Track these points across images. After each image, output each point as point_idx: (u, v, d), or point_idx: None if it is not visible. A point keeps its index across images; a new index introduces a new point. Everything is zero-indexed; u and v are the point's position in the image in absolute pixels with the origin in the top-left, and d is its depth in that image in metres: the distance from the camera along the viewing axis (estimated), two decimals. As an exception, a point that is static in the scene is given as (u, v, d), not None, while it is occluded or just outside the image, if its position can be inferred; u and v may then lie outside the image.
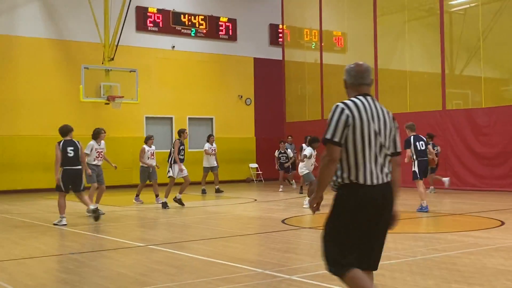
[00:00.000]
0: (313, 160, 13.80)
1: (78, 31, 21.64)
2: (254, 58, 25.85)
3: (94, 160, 12.80)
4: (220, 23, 24.97)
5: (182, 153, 14.12)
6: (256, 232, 9.80)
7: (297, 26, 24.85)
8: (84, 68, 19.51)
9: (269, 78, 25.82)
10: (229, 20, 25.19)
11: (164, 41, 23.69)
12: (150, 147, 15.37)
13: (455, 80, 19.55)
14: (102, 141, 13.09)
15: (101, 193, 13.04)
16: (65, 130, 11.01)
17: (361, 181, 3.87)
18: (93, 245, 8.63)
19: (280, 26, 25.68)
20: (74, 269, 6.74)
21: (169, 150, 14.57)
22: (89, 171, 12.22)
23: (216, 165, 18.47)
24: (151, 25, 23.35)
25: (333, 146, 3.87)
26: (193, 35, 24.34)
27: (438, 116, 18.74)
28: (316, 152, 13.88)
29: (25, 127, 20.63)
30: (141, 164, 15.21)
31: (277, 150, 19.97)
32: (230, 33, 25.19)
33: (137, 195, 15.18)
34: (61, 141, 10.95)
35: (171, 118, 23.86)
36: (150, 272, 6.46)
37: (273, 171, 21.83)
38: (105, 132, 13.32)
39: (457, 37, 19.69)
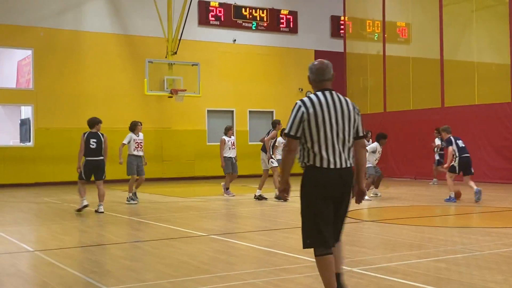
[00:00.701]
0: (378, 155, 13.66)
1: (142, 26, 22.10)
2: (315, 51, 25.65)
3: (134, 151, 13.21)
4: (281, 15, 24.92)
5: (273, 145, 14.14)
6: (317, 224, 9.73)
7: (359, 17, 24.46)
8: (148, 62, 19.94)
9: (330, 71, 25.53)
10: (290, 12, 25.10)
11: (226, 35, 23.86)
12: (230, 137, 14.96)
13: (525, 71, 18.79)
14: (141, 133, 13.43)
15: (140, 183, 13.44)
16: (91, 122, 11.59)
17: (317, 164, 4.44)
18: (157, 234, 8.80)
19: (342, 18, 25.37)
20: (138, 257, 6.89)
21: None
22: (121, 160, 13.01)
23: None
24: (213, 19, 23.56)
25: (291, 139, 4.47)
26: (254, 28, 24.40)
27: (507, 109, 18.07)
28: (381, 148, 13.74)
29: (92, 120, 21.23)
30: (223, 155, 14.79)
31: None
32: (291, 26, 25.11)
33: (227, 188, 14.87)
34: (86, 132, 11.50)
35: (232, 111, 24.03)
36: (212, 261, 6.53)
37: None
38: (141, 124, 13.65)
39: (528, 26, 18.90)
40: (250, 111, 24.30)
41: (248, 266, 6.20)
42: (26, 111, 21.69)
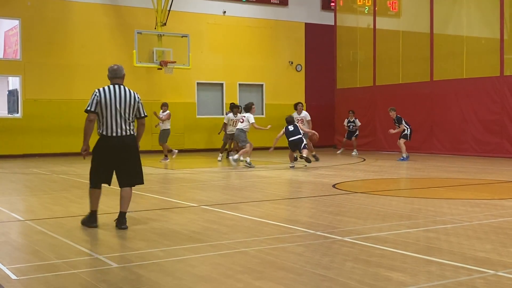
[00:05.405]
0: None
1: (131, -4, 21.83)
2: (306, 24, 25.52)
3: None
4: (271, -13, 24.69)
5: None
6: (307, 196, 9.80)
7: (350, -10, 24.31)
8: (137, 33, 19.72)
9: (320, 44, 25.47)
10: (281, -16, 24.88)
11: (216, 7, 23.63)
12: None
13: (514, 46, 18.85)
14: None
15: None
16: None
17: (104, 133, 6.64)
18: (148, 204, 8.81)
19: (333, -9, 25.20)
20: (129, 226, 6.90)
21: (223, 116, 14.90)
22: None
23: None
24: (203, -10, 23.29)
25: (90, 113, 6.62)
26: (244, 0, 24.16)
27: (495, 82, 18.16)
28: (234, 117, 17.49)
29: (80, 92, 21.05)
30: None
31: (346, 119, 20.99)
32: (282, -2, 24.90)
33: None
34: None
35: (221, 84, 23.92)
36: (203, 230, 6.56)
37: (323, 138, 21.69)
38: None
39: (518, 0, 18.90)
40: (240, 84, 24.20)
41: (240, 236, 6.24)
42: (14, 82, 21.46)
